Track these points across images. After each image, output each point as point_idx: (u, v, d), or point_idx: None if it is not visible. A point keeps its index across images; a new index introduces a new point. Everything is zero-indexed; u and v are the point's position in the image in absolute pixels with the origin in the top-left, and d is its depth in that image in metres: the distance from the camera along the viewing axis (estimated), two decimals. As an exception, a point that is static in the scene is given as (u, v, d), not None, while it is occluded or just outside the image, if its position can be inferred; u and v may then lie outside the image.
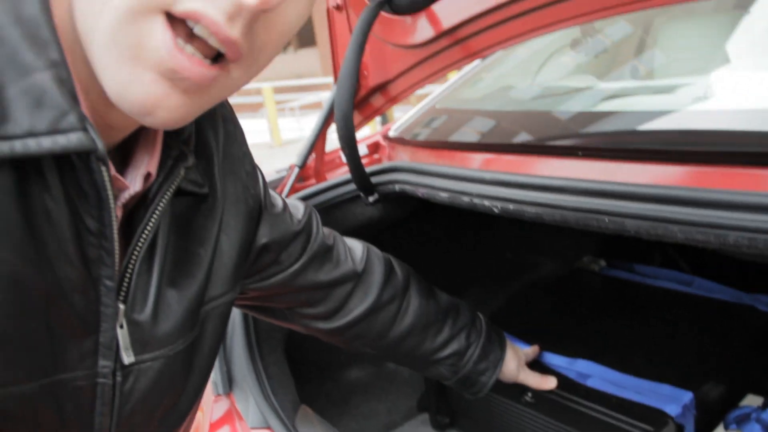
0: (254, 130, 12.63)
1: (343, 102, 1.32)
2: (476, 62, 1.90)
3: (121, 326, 0.61)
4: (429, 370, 1.21)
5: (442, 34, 1.35)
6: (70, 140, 0.50)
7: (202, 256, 0.72)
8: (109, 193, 0.55)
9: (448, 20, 1.32)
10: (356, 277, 1.07)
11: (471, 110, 1.58)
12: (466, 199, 1.13)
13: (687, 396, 1.20)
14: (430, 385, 1.59)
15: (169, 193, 0.64)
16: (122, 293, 0.61)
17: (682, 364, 1.31)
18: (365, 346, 1.14)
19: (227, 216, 0.77)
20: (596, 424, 1.21)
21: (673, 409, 1.18)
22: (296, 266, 0.96)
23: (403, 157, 1.55)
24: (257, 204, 0.86)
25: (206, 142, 0.75)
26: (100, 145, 0.52)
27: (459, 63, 1.46)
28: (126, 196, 0.61)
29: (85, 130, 0.50)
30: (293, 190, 1.47)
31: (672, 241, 0.85)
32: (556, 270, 1.90)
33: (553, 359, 1.40)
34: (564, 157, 1.06)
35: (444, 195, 1.19)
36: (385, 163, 1.40)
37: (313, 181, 1.57)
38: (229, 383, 1.20)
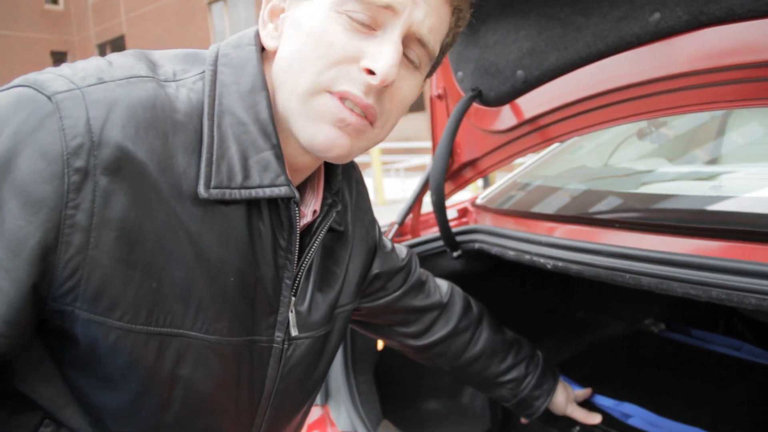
0: (361, 189, 13.03)
1: (437, 175, 1.65)
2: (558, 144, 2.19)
3: (291, 311, 0.94)
4: (493, 391, 1.48)
5: (522, 123, 1.66)
6: (281, 191, 0.83)
7: (338, 275, 1.05)
8: (297, 224, 0.88)
9: (528, 112, 1.62)
10: (441, 307, 1.38)
11: (542, 186, 1.88)
12: (527, 257, 1.42)
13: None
14: (495, 422, 1.85)
15: (325, 228, 0.97)
16: (293, 290, 0.95)
17: (716, 413, 1.51)
18: (444, 365, 1.44)
19: (355, 249, 1.10)
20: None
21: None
22: (398, 293, 1.28)
23: (487, 221, 1.85)
24: (374, 244, 1.19)
25: (344, 197, 1.09)
26: (297, 195, 0.85)
27: (537, 147, 1.75)
28: (302, 223, 0.94)
29: (288, 185, 0.84)
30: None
31: (676, 296, 1.11)
32: (621, 330, 2.12)
33: (602, 401, 1.63)
34: (605, 228, 1.33)
35: (511, 253, 1.49)
36: (468, 225, 1.72)
37: (409, 236, 1.90)
38: (326, 396, 1.49)
